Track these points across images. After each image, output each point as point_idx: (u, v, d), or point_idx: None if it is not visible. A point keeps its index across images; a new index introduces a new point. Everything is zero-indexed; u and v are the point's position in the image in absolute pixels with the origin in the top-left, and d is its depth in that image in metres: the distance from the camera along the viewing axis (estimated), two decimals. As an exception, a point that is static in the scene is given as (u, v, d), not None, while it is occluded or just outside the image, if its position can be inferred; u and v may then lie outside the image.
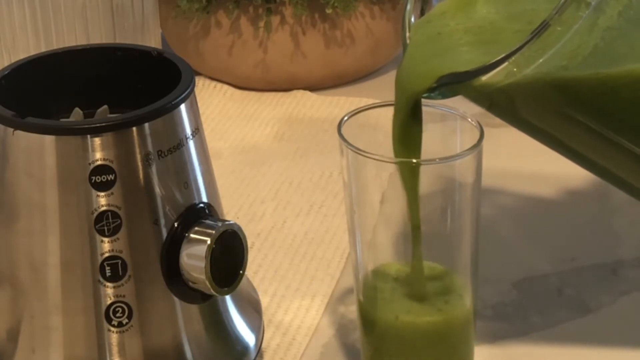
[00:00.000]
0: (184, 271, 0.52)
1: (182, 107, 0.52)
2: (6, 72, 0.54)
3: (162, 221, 0.51)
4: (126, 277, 0.51)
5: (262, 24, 0.89)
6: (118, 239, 0.50)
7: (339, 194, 0.75)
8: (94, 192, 0.50)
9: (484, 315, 0.62)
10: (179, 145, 0.52)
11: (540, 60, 0.46)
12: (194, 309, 0.53)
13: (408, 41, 0.53)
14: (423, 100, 0.51)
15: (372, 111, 0.53)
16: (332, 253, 0.69)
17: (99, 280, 0.50)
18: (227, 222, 0.52)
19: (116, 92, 0.56)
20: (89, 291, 0.51)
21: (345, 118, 0.52)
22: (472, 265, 0.52)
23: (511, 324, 0.62)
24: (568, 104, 0.49)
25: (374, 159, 0.49)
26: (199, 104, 0.55)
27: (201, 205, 0.53)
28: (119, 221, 0.50)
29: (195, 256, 0.51)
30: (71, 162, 0.49)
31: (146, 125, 0.50)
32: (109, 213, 0.50)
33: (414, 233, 0.51)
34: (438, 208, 0.52)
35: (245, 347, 0.56)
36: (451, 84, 0.49)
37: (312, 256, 0.69)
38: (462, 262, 0.52)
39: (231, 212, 0.73)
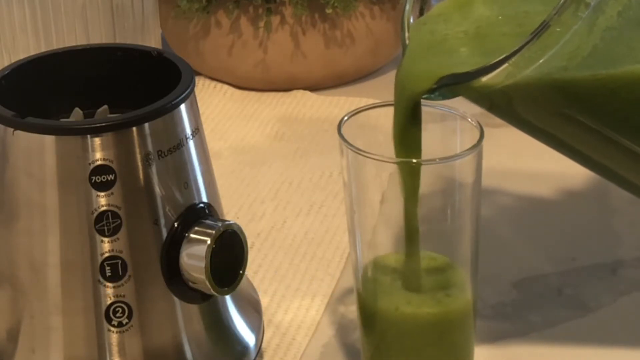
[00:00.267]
0: (184, 271, 0.52)
1: (182, 107, 0.52)
2: (6, 72, 0.54)
3: (162, 221, 0.51)
4: (126, 277, 0.51)
5: (262, 24, 0.89)
6: (118, 239, 0.50)
7: (339, 194, 0.75)
8: (94, 192, 0.50)
9: (484, 315, 0.62)
10: (179, 145, 0.52)
11: (540, 61, 0.46)
12: (194, 309, 0.53)
13: (407, 42, 0.53)
14: (423, 100, 0.51)
15: (372, 111, 0.53)
16: (332, 253, 0.69)
17: (99, 280, 0.50)
18: (227, 222, 0.52)
19: (116, 92, 0.56)
20: (89, 291, 0.51)
21: (345, 118, 0.52)
22: (472, 266, 0.52)
23: (511, 324, 0.62)
24: (568, 105, 0.49)
25: (374, 159, 0.49)
26: (199, 104, 0.55)
27: (201, 205, 0.53)
28: (119, 221, 0.50)
29: (195, 256, 0.51)
30: (71, 162, 0.49)
31: (146, 125, 0.50)
32: (109, 213, 0.50)
33: (409, 235, 0.51)
34: (438, 208, 0.52)
35: (245, 347, 0.56)
36: (451, 85, 0.49)
37: (312, 256, 0.69)
38: (463, 261, 0.52)
39: (231, 212, 0.73)
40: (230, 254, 0.53)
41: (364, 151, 0.50)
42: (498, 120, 0.54)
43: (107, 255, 0.50)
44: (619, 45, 0.48)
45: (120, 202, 0.50)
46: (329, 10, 0.88)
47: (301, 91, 0.92)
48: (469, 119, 0.51)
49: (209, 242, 0.51)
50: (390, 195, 0.51)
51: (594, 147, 0.52)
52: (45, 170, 0.50)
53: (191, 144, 0.52)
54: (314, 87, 0.93)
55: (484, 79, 0.48)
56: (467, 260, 0.52)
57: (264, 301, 0.63)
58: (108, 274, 0.50)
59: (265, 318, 0.60)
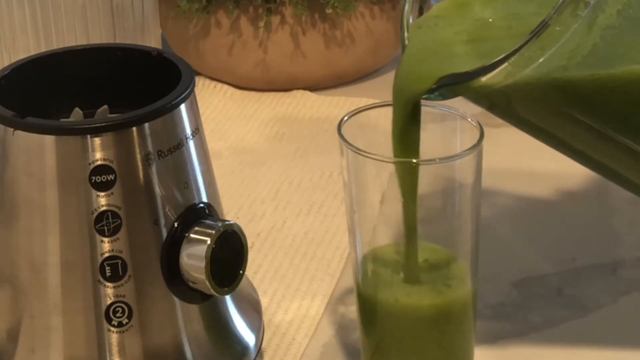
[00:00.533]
0: (184, 271, 0.52)
1: (182, 107, 0.52)
2: (6, 72, 0.54)
3: (162, 221, 0.51)
4: (126, 277, 0.51)
5: (262, 24, 0.89)
6: (118, 239, 0.50)
7: (339, 194, 0.75)
8: (94, 192, 0.50)
9: (484, 315, 0.62)
10: (179, 145, 0.52)
11: (540, 61, 0.46)
12: (194, 309, 0.53)
13: (406, 42, 0.53)
14: (423, 100, 0.51)
15: (372, 111, 0.53)
16: (332, 253, 0.69)
17: (99, 280, 0.50)
18: (227, 222, 0.52)
19: (116, 92, 0.56)
20: (89, 291, 0.51)
21: (345, 118, 0.52)
22: (472, 266, 0.52)
23: (511, 324, 0.62)
24: (568, 104, 0.49)
25: (374, 159, 0.49)
26: (199, 104, 0.55)
27: (201, 205, 0.53)
28: (119, 221, 0.50)
29: (195, 256, 0.51)
30: (71, 162, 0.49)
31: (146, 125, 0.50)
32: (109, 213, 0.50)
33: (408, 233, 0.51)
34: (438, 208, 0.52)
35: (245, 347, 0.56)
36: (451, 85, 0.49)
37: (312, 256, 0.69)
38: (463, 263, 0.52)
39: (231, 212, 0.73)
40: (230, 254, 0.53)
41: (364, 151, 0.50)
42: (498, 120, 0.54)
43: (107, 255, 0.50)
44: (619, 44, 0.48)
45: (120, 202, 0.50)
46: (329, 10, 0.88)
47: (301, 91, 0.92)
48: (469, 119, 0.51)
49: (209, 242, 0.51)
50: (390, 195, 0.51)
51: (594, 146, 0.52)
52: (45, 170, 0.50)
53: (191, 144, 0.52)
54: (314, 87, 0.93)
55: (484, 78, 0.48)
56: (467, 261, 0.52)
57: (264, 301, 0.63)
58: (108, 274, 0.50)
59: (265, 318, 0.60)
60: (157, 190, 0.51)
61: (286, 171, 0.79)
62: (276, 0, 0.89)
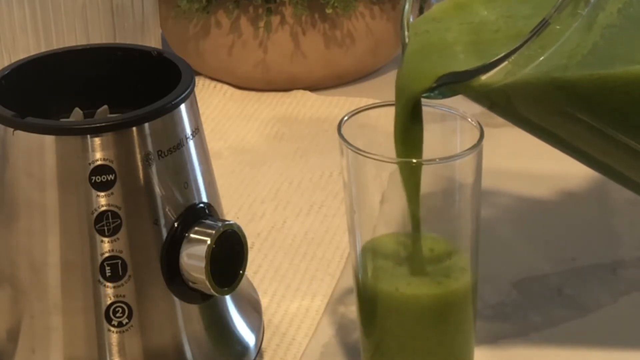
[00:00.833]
0: (184, 271, 0.52)
1: (182, 107, 0.52)
2: (6, 72, 0.54)
3: (162, 221, 0.51)
4: (126, 277, 0.51)
5: (262, 24, 0.89)
6: (118, 239, 0.50)
7: (339, 194, 0.75)
8: (94, 192, 0.50)
9: (484, 315, 0.62)
10: (179, 145, 0.52)
11: (540, 59, 0.46)
12: (194, 309, 0.53)
13: (407, 41, 0.53)
14: (423, 100, 0.51)
15: (372, 111, 0.53)
16: (332, 253, 0.69)
17: (99, 280, 0.50)
18: (227, 222, 0.52)
19: (116, 92, 0.56)
20: (89, 291, 0.51)
21: (345, 118, 0.52)
22: (472, 267, 0.52)
23: (511, 324, 0.62)
24: (568, 103, 0.49)
25: (374, 159, 0.49)
26: (199, 104, 0.55)
27: (201, 205, 0.53)
28: (119, 221, 0.50)
29: (195, 256, 0.51)
30: (71, 162, 0.49)
31: (146, 125, 0.50)
32: (109, 213, 0.50)
33: (413, 229, 0.51)
34: (438, 208, 0.52)
35: (245, 347, 0.56)
36: (451, 84, 0.49)
37: (312, 256, 0.69)
38: (463, 263, 0.52)
39: (231, 212, 0.73)
40: (230, 254, 0.53)
41: (364, 151, 0.50)
42: (498, 120, 0.54)
43: (107, 255, 0.50)
44: (619, 43, 0.48)
45: (120, 202, 0.50)
46: (329, 10, 0.88)
47: (301, 91, 0.92)
48: (469, 119, 0.51)
49: (209, 242, 0.51)
50: (390, 195, 0.51)
51: (595, 145, 0.52)
52: (45, 170, 0.50)
53: (191, 144, 0.52)
54: (314, 87, 0.93)
55: (484, 77, 0.48)
56: (467, 263, 0.52)
57: (264, 301, 0.63)
58: (108, 274, 0.50)
59: (265, 318, 0.60)
60: (157, 190, 0.51)
61: (286, 171, 0.79)
62: (276, 0, 0.89)
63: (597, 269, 0.66)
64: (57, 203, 0.50)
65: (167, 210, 0.51)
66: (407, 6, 0.54)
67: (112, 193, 0.50)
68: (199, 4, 0.90)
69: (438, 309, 0.52)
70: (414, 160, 0.50)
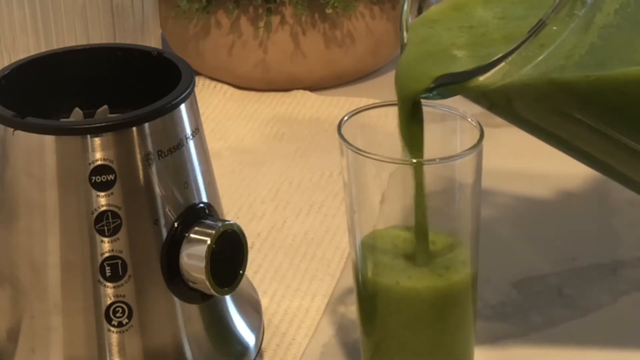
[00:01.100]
0: (184, 271, 0.52)
1: (182, 107, 0.52)
2: (6, 72, 0.54)
3: (162, 221, 0.51)
4: (126, 277, 0.51)
5: (262, 24, 0.89)
6: (118, 239, 0.50)
7: (339, 194, 0.75)
8: (94, 192, 0.50)
9: (484, 315, 0.62)
10: (179, 145, 0.52)
11: (537, 60, 0.46)
12: (194, 309, 0.53)
13: (405, 41, 0.53)
14: (423, 100, 0.51)
15: (372, 111, 0.53)
16: (332, 253, 0.69)
17: (99, 280, 0.50)
18: (227, 222, 0.52)
19: (116, 92, 0.56)
20: (89, 291, 0.51)
21: (345, 118, 0.52)
22: (472, 261, 0.52)
23: (511, 324, 0.62)
24: (566, 103, 0.49)
25: (374, 159, 0.50)
26: (199, 104, 0.55)
27: (201, 205, 0.53)
28: (119, 221, 0.50)
29: (195, 256, 0.51)
30: (71, 162, 0.49)
31: (146, 125, 0.50)
32: (109, 213, 0.50)
33: (417, 225, 0.51)
34: (438, 208, 0.52)
35: (245, 347, 0.56)
36: (449, 85, 0.49)
37: (312, 256, 0.69)
38: (463, 256, 0.52)
39: (231, 212, 0.73)
40: (230, 254, 0.53)
41: (364, 151, 0.50)
42: (498, 120, 0.54)
43: (107, 255, 0.50)
44: (617, 44, 0.48)
45: (120, 202, 0.50)
46: (329, 10, 0.88)
47: (301, 91, 0.92)
48: (469, 119, 0.51)
49: (209, 242, 0.51)
50: (390, 195, 0.51)
51: (594, 145, 0.52)
52: (45, 170, 0.50)
53: (191, 144, 0.52)
54: (314, 87, 0.93)
55: (481, 78, 0.48)
56: (467, 255, 0.52)
57: (264, 301, 0.63)
58: (108, 274, 0.50)
59: (265, 318, 0.60)
60: (157, 190, 0.51)
61: (286, 171, 0.79)
62: (276, 0, 0.89)
63: (597, 269, 0.66)
64: (57, 203, 0.50)
65: (167, 210, 0.51)
66: (405, 6, 0.54)
67: (112, 193, 0.50)
68: (199, 4, 0.90)
69: (438, 303, 0.52)
70: (414, 160, 0.50)
